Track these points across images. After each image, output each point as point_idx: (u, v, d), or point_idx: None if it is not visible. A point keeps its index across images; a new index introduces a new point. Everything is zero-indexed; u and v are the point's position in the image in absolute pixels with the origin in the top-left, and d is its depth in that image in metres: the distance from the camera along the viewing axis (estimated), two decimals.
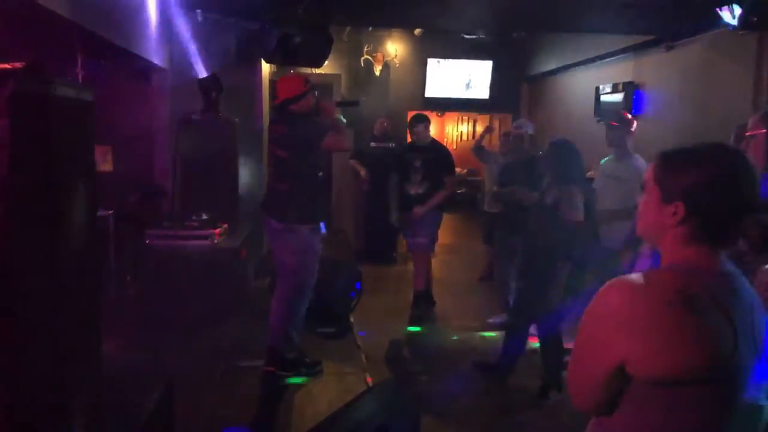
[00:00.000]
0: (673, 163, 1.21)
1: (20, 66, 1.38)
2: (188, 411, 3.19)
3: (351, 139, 3.87)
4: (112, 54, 4.64)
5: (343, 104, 4.73)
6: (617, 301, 1.14)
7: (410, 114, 9.57)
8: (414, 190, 5.00)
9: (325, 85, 8.58)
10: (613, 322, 1.13)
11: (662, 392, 1.11)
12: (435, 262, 5.88)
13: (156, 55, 5.27)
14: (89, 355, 1.94)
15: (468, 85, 9.31)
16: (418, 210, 4.91)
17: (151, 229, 4.78)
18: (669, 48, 5.89)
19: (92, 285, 1.91)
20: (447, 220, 5.55)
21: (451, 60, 9.12)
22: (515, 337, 3.94)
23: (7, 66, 1.39)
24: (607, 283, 1.18)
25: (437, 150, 5.14)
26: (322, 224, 3.94)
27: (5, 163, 1.30)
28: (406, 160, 5.07)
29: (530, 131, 5.21)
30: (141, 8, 4.86)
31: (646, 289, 1.13)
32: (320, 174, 3.88)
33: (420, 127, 5.03)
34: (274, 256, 3.92)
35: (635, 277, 1.17)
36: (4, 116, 1.32)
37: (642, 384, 1.12)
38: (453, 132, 13.08)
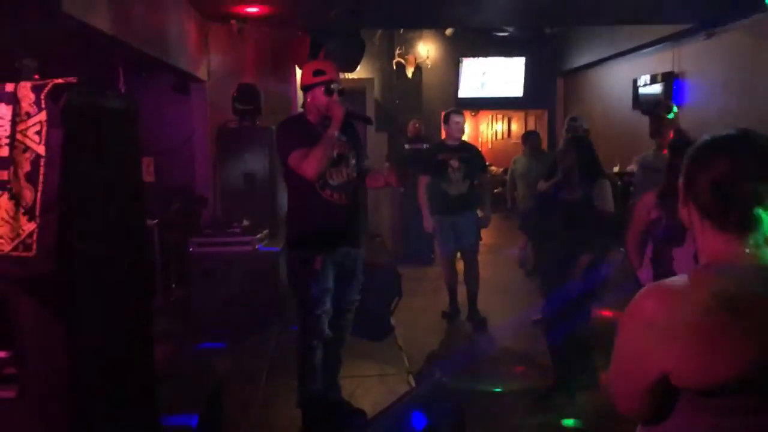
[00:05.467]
0: (685, 164, 1.18)
1: (73, 80, 1.44)
2: (235, 413, 3.26)
3: (316, 168, 2.87)
4: (152, 67, 4.77)
5: (356, 116, 3.36)
6: (654, 309, 1.08)
7: (444, 115, 9.64)
8: (456, 190, 4.84)
9: (358, 89, 8.64)
10: (652, 332, 1.07)
11: (711, 402, 1.06)
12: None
13: (194, 67, 5.40)
14: (142, 358, 2.00)
15: (501, 83, 9.24)
16: (486, 218, 4.98)
17: (194, 237, 4.88)
18: (709, 35, 5.74)
19: (144, 291, 1.97)
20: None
21: (483, 58, 9.08)
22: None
23: (60, 81, 1.45)
24: (644, 288, 1.14)
25: (469, 148, 5.08)
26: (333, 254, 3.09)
27: (59, 171, 1.36)
28: (440, 160, 4.89)
29: (584, 125, 5.15)
30: (178, 21, 4.99)
31: (684, 294, 1.07)
32: (325, 190, 3.04)
33: (457, 118, 4.93)
34: None
35: (672, 280, 1.13)
36: (58, 126, 1.38)
37: (689, 393, 1.07)
38: (487, 131, 13.01)
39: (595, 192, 3.49)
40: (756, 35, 5.17)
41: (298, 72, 6.77)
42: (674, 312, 1.06)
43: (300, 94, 5.61)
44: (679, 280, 1.13)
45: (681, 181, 1.18)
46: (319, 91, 3.01)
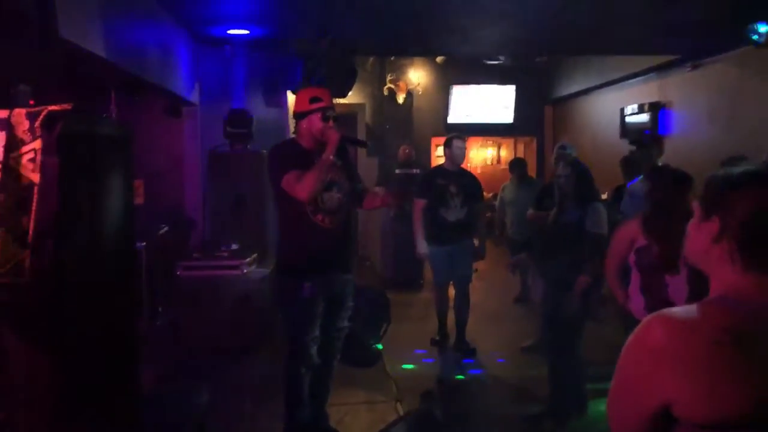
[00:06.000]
0: (713, 183, 1.14)
1: (68, 107, 1.45)
2: None
3: (310, 191, 2.87)
4: (144, 89, 4.79)
5: (350, 141, 3.39)
6: (661, 338, 1.05)
7: (434, 140, 9.74)
8: (455, 216, 4.75)
9: (350, 114, 8.71)
10: (658, 362, 1.05)
11: None
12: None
13: (186, 90, 5.43)
14: (129, 384, 1.98)
15: (491, 110, 9.35)
16: (480, 248, 4.90)
17: (182, 260, 4.85)
18: (694, 67, 5.87)
19: (131, 316, 1.95)
20: None
21: (473, 86, 9.20)
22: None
23: (56, 108, 1.46)
24: (650, 315, 1.10)
25: (468, 175, 5.02)
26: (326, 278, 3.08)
27: (55, 197, 1.36)
28: (438, 185, 4.79)
29: (573, 153, 5.16)
30: (172, 46, 5.03)
31: (693, 325, 1.05)
32: (317, 215, 3.00)
33: (460, 143, 4.84)
34: None
35: (681, 310, 1.10)
36: (53, 154, 1.38)
37: (689, 425, 1.04)
38: (477, 157, 13.09)
39: (588, 215, 3.53)
40: (740, 67, 5.30)
41: (291, 98, 6.84)
42: (683, 343, 1.04)
43: (291, 119, 5.60)
44: (688, 310, 1.10)
45: (705, 211, 1.14)
46: (316, 118, 3.02)
